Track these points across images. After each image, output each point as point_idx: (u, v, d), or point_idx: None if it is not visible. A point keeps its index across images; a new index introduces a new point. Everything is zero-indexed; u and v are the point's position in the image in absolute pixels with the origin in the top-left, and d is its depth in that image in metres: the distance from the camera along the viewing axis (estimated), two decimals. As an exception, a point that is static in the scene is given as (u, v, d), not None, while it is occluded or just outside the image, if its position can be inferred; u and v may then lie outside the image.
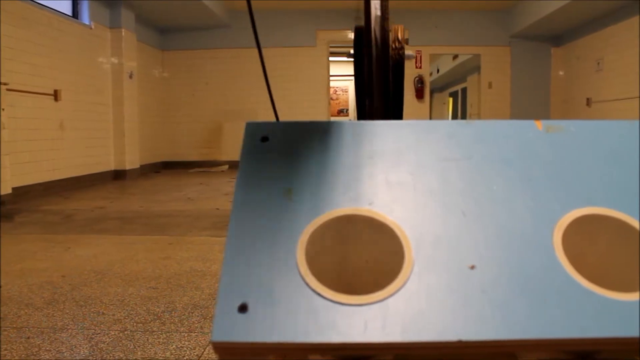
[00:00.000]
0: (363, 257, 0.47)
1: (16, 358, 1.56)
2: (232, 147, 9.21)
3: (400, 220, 0.50)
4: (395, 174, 0.54)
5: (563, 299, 0.45)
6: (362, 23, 1.21)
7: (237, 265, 0.48)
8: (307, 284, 0.47)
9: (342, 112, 15.65)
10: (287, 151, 0.57)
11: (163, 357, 1.57)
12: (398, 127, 0.58)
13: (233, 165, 9.00)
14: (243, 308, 0.45)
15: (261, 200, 0.53)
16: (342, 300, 0.45)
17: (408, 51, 1.24)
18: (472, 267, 0.47)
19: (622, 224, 0.51)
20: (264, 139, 0.59)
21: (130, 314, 1.92)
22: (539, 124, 0.58)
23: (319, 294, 0.46)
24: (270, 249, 0.49)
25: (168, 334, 1.74)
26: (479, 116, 9.78)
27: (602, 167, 0.55)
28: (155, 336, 1.72)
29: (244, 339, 0.43)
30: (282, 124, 0.59)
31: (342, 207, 0.51)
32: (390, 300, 0.45)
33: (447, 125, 0.58)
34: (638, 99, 6.50)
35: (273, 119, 0.62)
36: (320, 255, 0.49)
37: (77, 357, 1.57)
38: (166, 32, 9.16)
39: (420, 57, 9.13)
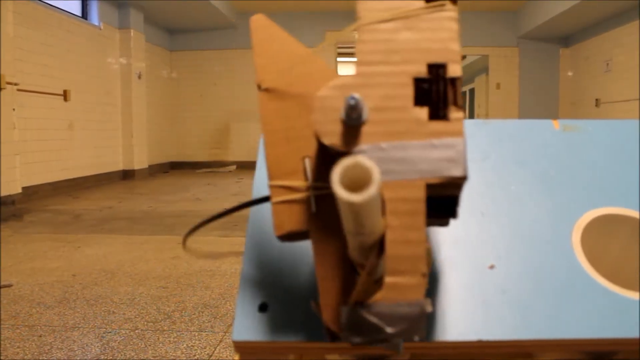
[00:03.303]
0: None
1: (28, 356, 1.57)
2: (239, 148, 9.22)
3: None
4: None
5: (582, 299, 0.45)
6: None
7: (257, 265, 0.48)
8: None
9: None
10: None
11: (174, 356, 1.58)
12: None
13: (241, 165, 9.02)
14: (263, 307, 0.45)
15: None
16: (361, 300, 0.46)
17: None
18: (492, 267, 0.47)
19: (640, 224, 0.51)
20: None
21: (141, 313, 1.93)
22: (556, 124, 0.58)
23: (338, 294, 0.46)
24: (289, 249, 0.49)
25: (178, 333, 1.75)
26: (486, 117, 9.75)
27: (619, 166, 0.55)
28: (166, 335, 1.73)
29: (264, 338, 0.44)
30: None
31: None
32: (410, 299, 0.45)
33: (465, 125, 0.58)
34: (648, 100, 6.46)
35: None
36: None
37: (89, 356, 1.58)
38: (174, 33, 9.19)
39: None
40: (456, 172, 0.35)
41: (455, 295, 0.45)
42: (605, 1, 6.65)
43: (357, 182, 0.30)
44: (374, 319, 0.34)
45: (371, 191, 0.29)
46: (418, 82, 0.37)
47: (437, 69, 0.37)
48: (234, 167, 9.01)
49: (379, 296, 0.34)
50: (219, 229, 3.54)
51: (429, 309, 0.34)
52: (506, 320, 0.44)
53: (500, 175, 0.54)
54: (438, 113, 0.36)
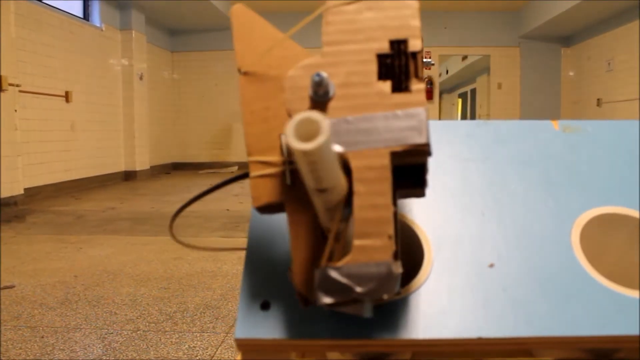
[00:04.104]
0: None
1: (30, 357, 1.58)
2: (241, 148, 9.23)
3: (420, 220, 0.51)
4: (415, 174, 0.55)
5: (582, 297, 0.45)
6: None
7: (259, 263, 0.48)
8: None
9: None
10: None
11: (175, 356, 1.58)
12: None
13: (243, 166, 9.02)
14: (265, 305, 0.46)
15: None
16: (362, 298, 0.46)
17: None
18: (491, 266, 0.47)
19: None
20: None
21: (143, 314, 1.93)
22: (556, 124, 0.59)
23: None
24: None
25: (180, 334, 1.75)
26: (488, 117, 9.75)
27: (619, 166, 0.55)
28: (168, 336, 1.74)
29: (266, 335, 0.44)
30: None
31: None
32: (411, 297, 0.45)
33: (465, 125, 0.58)
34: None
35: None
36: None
37: (91, 357, 1.58)
38: (176, 34, 9.20)
39: (430, 58, 9.11)
40: (419, 140, 0.37)
41: (456, 293, 0.46)
42: (606, 1, 6.65)
43: (310, 137, 0.31)
44: (344, 280, 0.36)
45: (321, 139, 0.31)
46: (381, 57, 0.39)
47: (398, 45, 0.39)
48: (236, 167, 9.02)
49: (348, 258, 0.36)
50: (220, 230, 3.55)
51: (397, 269, 0.36)
52: (506, 318, 0.44)
53: (501, 175, 0.54)
54: (400, 86, 0.38)
